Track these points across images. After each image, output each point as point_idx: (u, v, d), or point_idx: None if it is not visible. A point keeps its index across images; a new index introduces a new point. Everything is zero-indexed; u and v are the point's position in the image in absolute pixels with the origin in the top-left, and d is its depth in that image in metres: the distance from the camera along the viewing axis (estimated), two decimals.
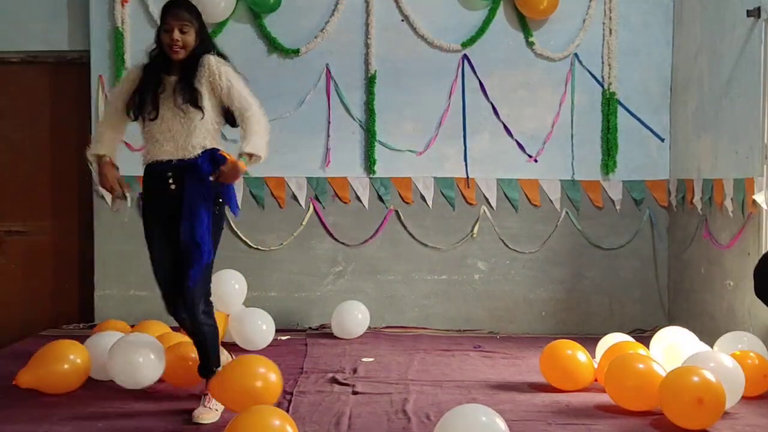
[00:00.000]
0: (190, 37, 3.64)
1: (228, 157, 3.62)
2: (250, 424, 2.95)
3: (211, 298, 3.84)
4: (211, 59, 3.67)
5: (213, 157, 3.66)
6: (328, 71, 5.97)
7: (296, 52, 5.94)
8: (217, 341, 3.87)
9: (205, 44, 3.72)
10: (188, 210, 3.60)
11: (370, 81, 5.95)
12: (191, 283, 3.63)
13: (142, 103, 3.68)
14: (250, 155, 3.59)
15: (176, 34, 3.61)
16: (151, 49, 3.79)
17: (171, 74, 3.69)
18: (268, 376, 3.68)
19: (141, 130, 3.81)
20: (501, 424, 3.00)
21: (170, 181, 3.66)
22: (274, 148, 5.92)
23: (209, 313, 3.79)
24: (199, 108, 3.62)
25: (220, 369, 3.82)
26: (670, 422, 3.65)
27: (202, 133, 3.66)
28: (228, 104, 3.69)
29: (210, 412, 3.72)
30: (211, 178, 3.60)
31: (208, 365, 3.83)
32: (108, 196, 5.84)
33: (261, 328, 5.19)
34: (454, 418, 3.04)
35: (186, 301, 3.69)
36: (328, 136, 5.98)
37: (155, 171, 3.72)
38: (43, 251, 6.12)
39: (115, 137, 3.87)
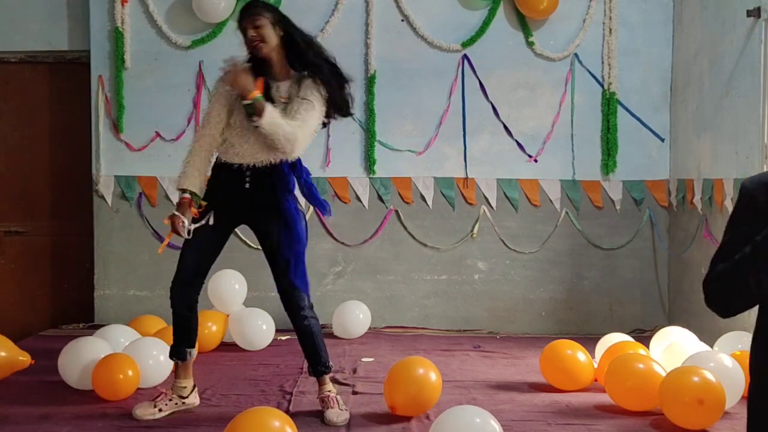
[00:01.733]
0: (267, 29, 3.56)
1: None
2: (250, 425, 2.94)
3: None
4: (307, 82, 3.59)
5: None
6: None
7: None
8: (321, 335, 3.85)
9: (293, 35, 3.61)
10: (283, 218, 3.65)
11: (370, 81, 5.95)
12: (297, 284, 3.69)
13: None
14: (262, 109, 3.44)
15: (251, 32, 3.56)
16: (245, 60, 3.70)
17: (276, 79, 3.62)
18: (429, 376, 3.74)
19: (227, 133, 3.66)
20: (495, 425, 2.99)
21: (246, 180, 3.64)
22: None
23: (312, 307, 3.80)
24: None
25: (332, 365, 3.88)
26: (670, 422, 3.65)
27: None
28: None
29: (343, 413, 3.73)
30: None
31: (320, 360, 3.81)
32: (109, 198, 5.86)
33: (261, 328, 5.19)
34: (449, 420, 3.03)
35: (291, 303, 3.73)
36: (328, 136, 5.97)
37: (232, 168, 3.65)
38: (43, 251, 6.12)
39: (206, 167, 3.69)
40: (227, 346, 5.25)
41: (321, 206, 3.88)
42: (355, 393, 4.21)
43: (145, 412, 3.70)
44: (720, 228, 5.17)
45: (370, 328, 5.75)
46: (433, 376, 3.79)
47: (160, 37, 5.93)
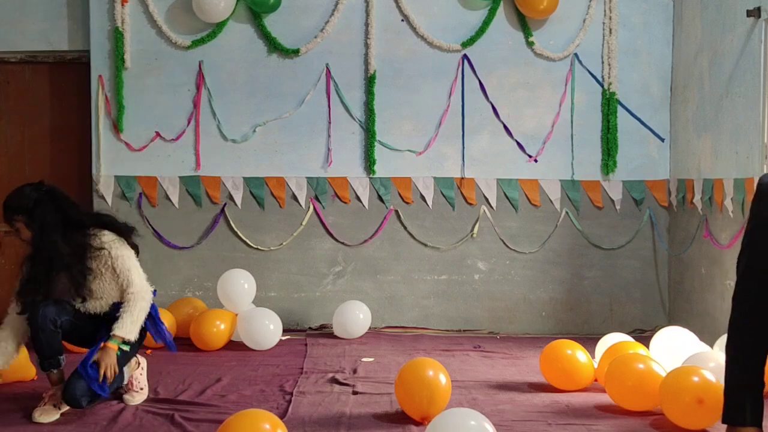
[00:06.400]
0: (23, 229, 3.84)
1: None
2: (241, 428, 2.93)
3: None
4: (105, 245, 3.85)
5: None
6: (328, 71, 5.97)
7: (296, 52, 5.94)
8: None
9: (49, 226, 3.82)
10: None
11: (369, 81, 5.95)
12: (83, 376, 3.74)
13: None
14: (121, 337, 3.79)
15: (13, 229, 3.86)
16: None
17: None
18: (438, 378, 3.73)
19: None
20: (490, 428, 2.97)
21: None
22: (274, 148, 6.00)
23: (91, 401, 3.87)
24: (90, 292, 3.87)
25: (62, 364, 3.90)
26: (670, 422, 3.65)
27: (106, 291, 3.91)
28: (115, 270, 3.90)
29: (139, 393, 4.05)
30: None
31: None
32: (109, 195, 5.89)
33: (268, 328, 5.20)
34: (444, 423, 3.01)
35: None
36: (329, 136, 5.97)
37: None
38: None
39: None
40: (233, 345, 5.26)
41: (168, 344, 4.12)
42: (355, 393, 4.21)
43: (49, 414, 3.75)
44: (720, 228, 5.18)
45: (370, 328, 5.76)
46: (443, 378, 3.78)
47: (160, 37, 5.94)
